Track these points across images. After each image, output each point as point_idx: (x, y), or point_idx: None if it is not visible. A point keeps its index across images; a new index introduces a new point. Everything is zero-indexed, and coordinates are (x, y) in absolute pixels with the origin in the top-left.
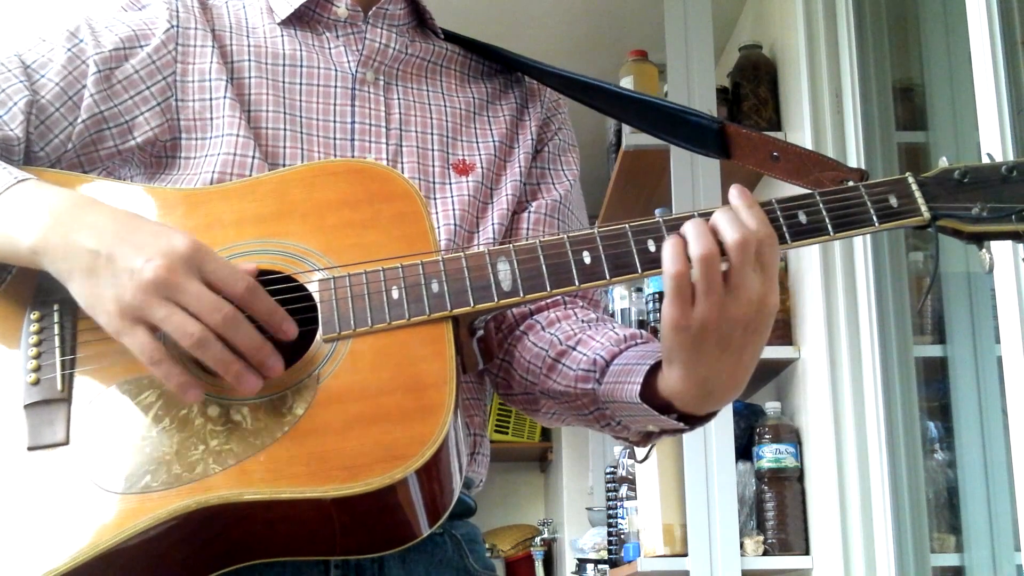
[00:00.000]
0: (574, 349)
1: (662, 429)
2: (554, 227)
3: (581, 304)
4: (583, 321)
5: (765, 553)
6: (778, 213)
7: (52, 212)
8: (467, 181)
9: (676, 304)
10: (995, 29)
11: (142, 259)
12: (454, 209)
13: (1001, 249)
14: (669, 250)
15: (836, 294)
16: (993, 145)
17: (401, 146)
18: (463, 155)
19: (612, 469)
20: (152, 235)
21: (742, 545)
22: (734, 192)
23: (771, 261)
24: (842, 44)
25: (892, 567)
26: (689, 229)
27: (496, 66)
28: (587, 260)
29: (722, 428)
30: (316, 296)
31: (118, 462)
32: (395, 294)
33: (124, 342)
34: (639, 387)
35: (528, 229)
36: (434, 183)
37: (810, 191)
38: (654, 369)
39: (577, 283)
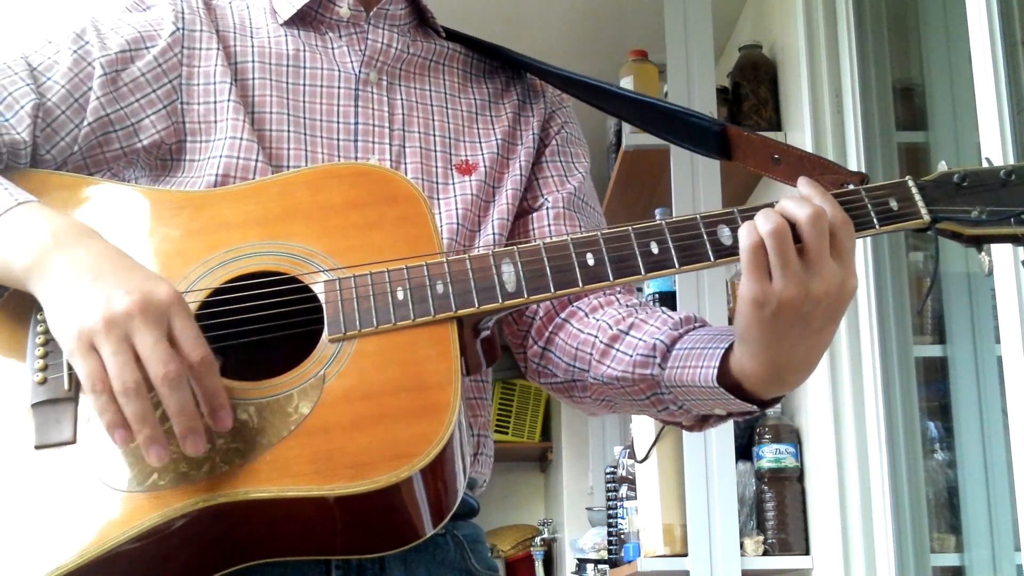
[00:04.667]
0: (627, 334)
1: (728, 412)
2: (573, 220)
3: (619, 289)
4: (627, 306)
5: (765, 553)
6: None
7: (52, 236)
8: (470, 180)
9: (754, 278)
10: (995, 29)
11: (121, 291)
12: (457, 208)
13: (1001, 250)
14: (743, 229)
15: None
16: (993, 145)
17: (404, 147)
18: (466, 155)
19: (612, 469)
20: (141, 276)
21: (742, 545)
22: (803, 182)
23: (848, 245)
24: (842, 44)
25: (892, 567)
26: (759, 214)
27: (498, 64)
28: (591, 262)
29: (722, 428)
30: (321, 297)
31: (125, 460)
32: (400, 295)
33: (74, 364)
34: (715, 371)
35: (549, 225)
36: (437, 183)
37: None
38: (724, 351)
39: (581, 284)
